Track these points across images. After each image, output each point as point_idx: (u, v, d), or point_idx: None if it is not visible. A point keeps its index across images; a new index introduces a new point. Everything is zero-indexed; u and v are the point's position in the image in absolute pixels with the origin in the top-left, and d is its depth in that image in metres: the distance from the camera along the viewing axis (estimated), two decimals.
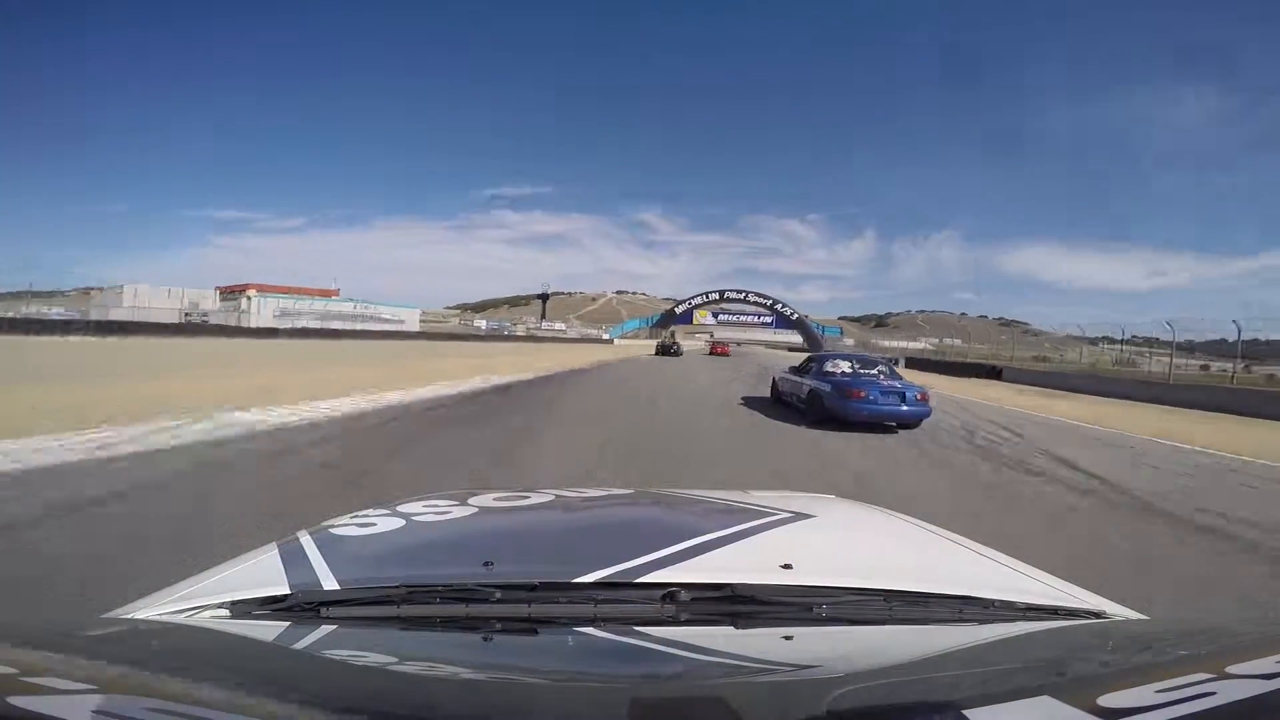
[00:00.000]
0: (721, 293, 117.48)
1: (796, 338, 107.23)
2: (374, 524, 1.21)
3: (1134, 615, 0.98)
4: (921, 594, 0.91)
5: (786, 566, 0.95)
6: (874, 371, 10.26)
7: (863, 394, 9.01)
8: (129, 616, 0.86)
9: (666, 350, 41.89)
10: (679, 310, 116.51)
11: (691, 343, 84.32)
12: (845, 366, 10.45)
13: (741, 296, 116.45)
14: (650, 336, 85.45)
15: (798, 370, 11.40)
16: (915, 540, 1.30)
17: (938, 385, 17.83)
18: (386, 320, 48.10)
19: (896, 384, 9.43)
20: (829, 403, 9.33)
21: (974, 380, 25.41)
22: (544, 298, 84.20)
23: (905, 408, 9.05)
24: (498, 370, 16.91)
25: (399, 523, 1.22)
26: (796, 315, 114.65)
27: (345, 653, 0.77)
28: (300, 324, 38.57)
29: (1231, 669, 0.52)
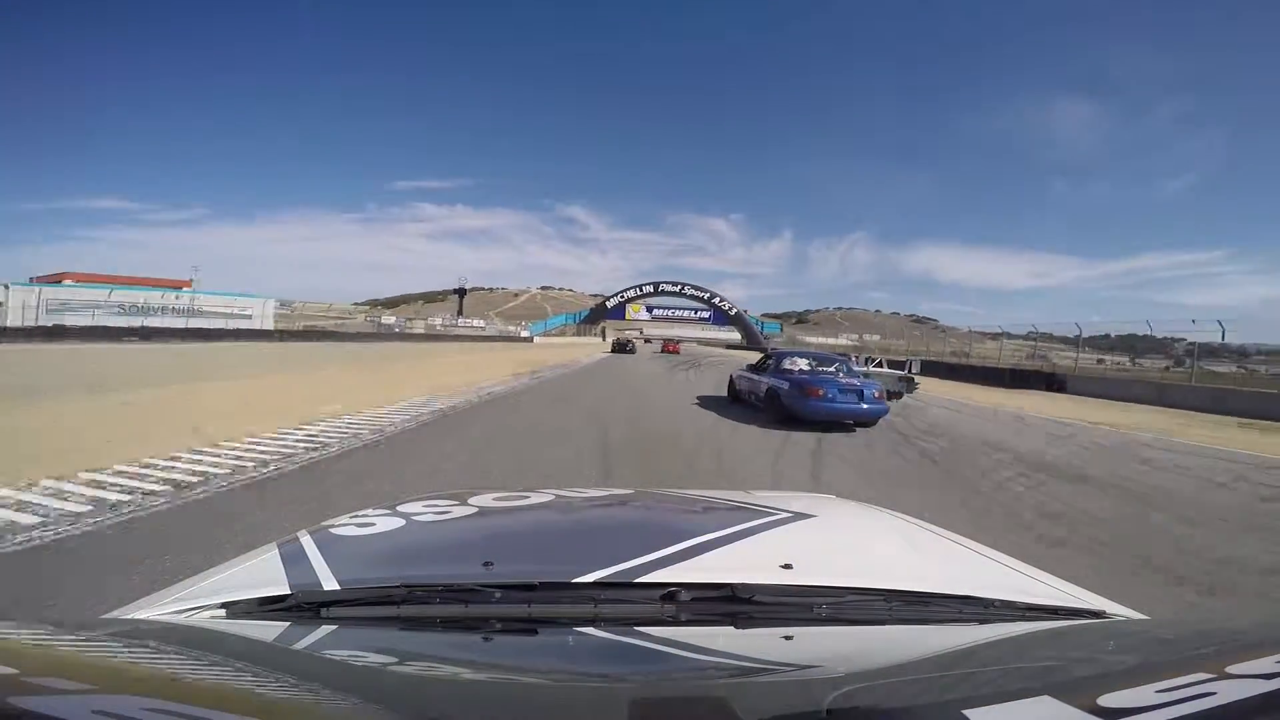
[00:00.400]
0: (656, 285, 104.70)
1: (734, 334, 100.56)
2: (373, 524, 1.21)
3: (1134, 615, 0.99)
4: (922, 594, 0.92)
5: (786, 566, 0.96)
6: (832, 369, 10.12)
7: (821, 392, 8.85)
8: (129, 617, 0.87)
9: (622, 348, 41.87)
10: (610, 304, 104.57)
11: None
12: (804, 364, 10.26)
13: (677, 289, 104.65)
14: (578, 333, 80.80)
15: (755, 368, 11.22)
16: (916, 540, 1.31)
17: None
18: (224, 314, 34.81)
19: (855, 381, 9.32)
20: (787, 401, 9.09)
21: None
22: (460, 292, 72.32)
23: (864, 405, 8.88)
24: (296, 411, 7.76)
25: (399, 522, 1.22)
26: (735, 310, 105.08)
27: (345, 653, 0.77)
28: (69, 320, 25.60)
29: (1232, 669, 0.53)
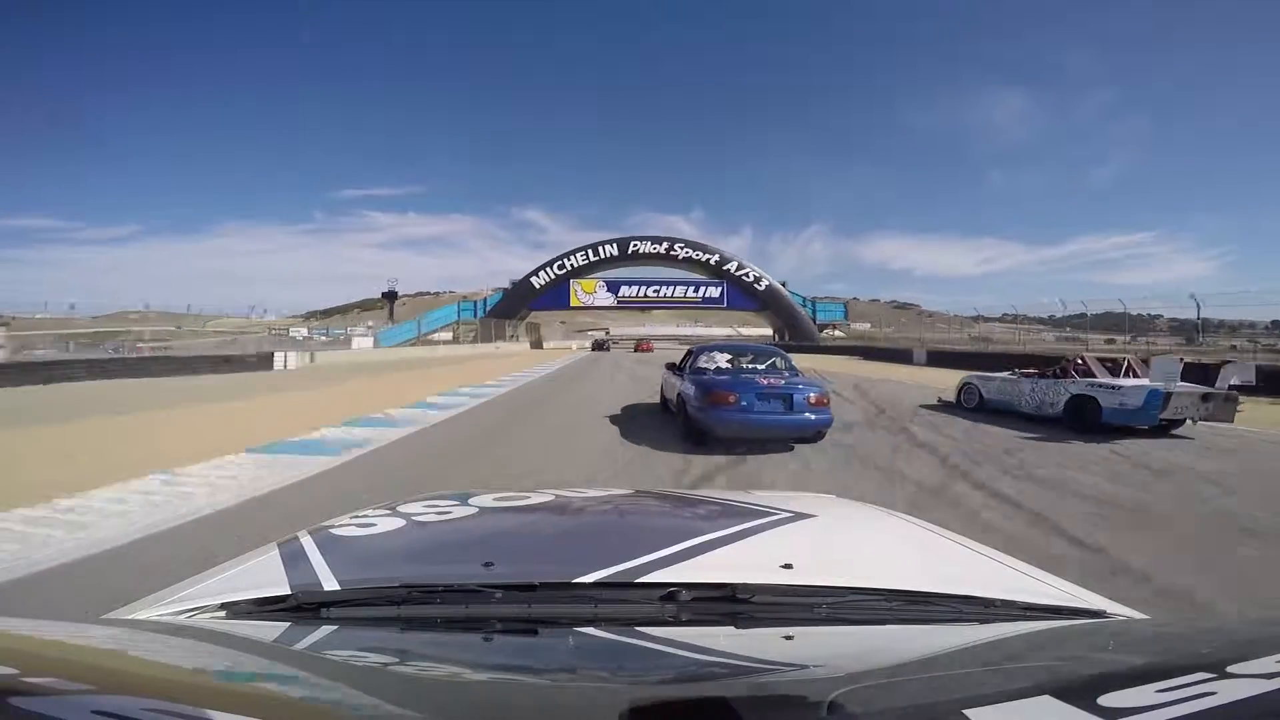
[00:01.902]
0: (624, 245, 53.23)
1: (761, 326, 58.57)
2: (374, 524, 1.24)
3: (1135, 615, 1.01)
4: (922, 594, 0.95)
5: (787, 566, 0.98)
6: (761, 366, 7.82)
7: (733, 398, 6.65)
8: (129, 618, 0.88)
9: (600, 346, 38.64)
10: (539, 281, 53.30)
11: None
12: (723, 360, 7.96)
13: (660, 249, 53.35)
14: (483, 337, 44.89)
15: (676, 367, 8.80)
16: (916, 540, 1.33)
17: None
18: None
19: (780, 383, 6.99)
20: (692, 411, 6.99)
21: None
22: (390, 296, 54.77)
23: (795, 416, 6.64)
24: None
25: (399, 523, 1.26)
26: (766, 283, 53.47)
27: (345, 653, 0.77)
28: None
29: (1232, 668, 0.54)
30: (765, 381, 7.00)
